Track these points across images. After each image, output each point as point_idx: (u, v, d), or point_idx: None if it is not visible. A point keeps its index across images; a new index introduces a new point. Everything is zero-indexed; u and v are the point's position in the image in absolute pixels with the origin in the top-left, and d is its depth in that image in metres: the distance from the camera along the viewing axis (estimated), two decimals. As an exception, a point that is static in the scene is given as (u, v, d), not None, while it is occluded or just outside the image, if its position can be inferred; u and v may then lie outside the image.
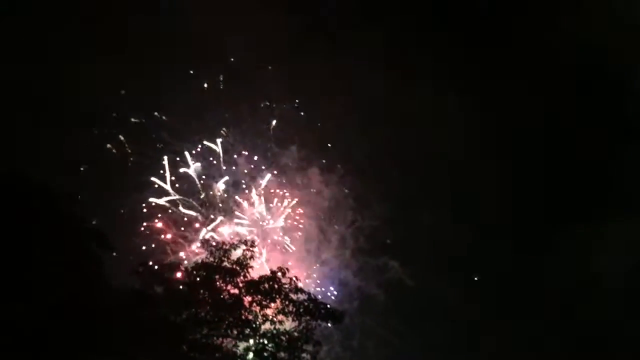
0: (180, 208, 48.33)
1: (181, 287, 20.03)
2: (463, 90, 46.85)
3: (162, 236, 47.10)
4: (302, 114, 51.44)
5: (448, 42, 47.69)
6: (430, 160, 48.78)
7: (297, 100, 50.94)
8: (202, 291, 19.88)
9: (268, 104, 50.05)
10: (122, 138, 46.36)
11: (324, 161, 51.22)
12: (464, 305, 46.51)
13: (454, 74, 47.81)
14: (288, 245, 49.99)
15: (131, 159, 46.11)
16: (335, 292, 50.18)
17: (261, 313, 19.91)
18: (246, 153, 50.16)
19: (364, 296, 49.89)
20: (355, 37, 49.05)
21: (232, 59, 48.24)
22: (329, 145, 51.77)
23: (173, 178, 47.91)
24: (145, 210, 46.99)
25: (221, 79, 48.42)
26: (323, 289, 49.65)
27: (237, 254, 21.07)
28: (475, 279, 49.57)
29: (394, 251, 50.16)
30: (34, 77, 38.21)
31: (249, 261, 20.69)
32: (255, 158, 50.49)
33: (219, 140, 49.25)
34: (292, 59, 47.13)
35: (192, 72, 47.34)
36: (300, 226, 50.54)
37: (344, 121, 49.72)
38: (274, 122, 50.57)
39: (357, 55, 49.10)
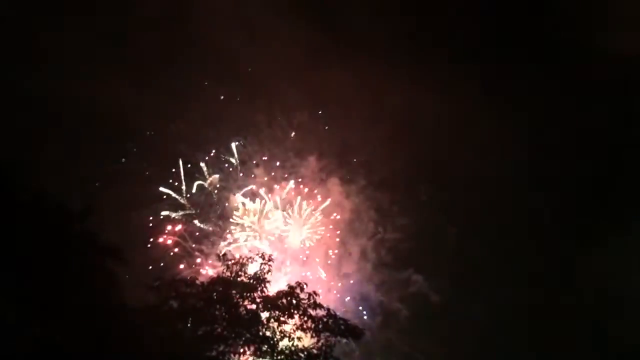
0: (196, 221, 49.04)
1: (197, 302, 20.23)
2: (493, 101, 46.67)
3: (177, 250, 47.78)
4: (326, 127, 51.95)
5: (477, 52, 47.75)
6: (457, 171, 48.68)
7: (319, 112, 51.51)
8: (218, 306, 20.03)
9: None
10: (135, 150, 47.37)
11: (344, 172, 51.64)
12: (493, 322, 46.02)
13: (485, 84, 47.76)
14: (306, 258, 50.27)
15: (147, 172, 46.91)
16: (357, 307, 50.14)
17: (279, 329, 19.92)
18: (264, 162, 50.59)
19: (386, 311, 49.87)
20: (379, 44, 49.41)
21: (250, 69, 48.88)
22: (351, 156, 52.23)
23: (188, 195, 48.70)
24: (160, 223, 47.83)
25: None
26: (343, 304, 49.62)
27: (254, 268, 21.36)
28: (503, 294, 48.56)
29: (418, 264, 50.06)
30: (48, 89, 39.31)
31: (266, 276, 20.83)
32: (274, 168, 51.02)
33: (234, 147, 50.04)
34: (311, 67, 47.60)
35: (206, 83, 47.98)
36: (317, 236, 50.85)
37: (367, 131, 50.12)
38: (292, 134, 51.23)
39: (380, 63, 49.40)
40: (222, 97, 49.34)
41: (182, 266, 47.48)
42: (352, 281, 50.70)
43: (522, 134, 47.97)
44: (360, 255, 51.28)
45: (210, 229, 49.06)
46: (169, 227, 48.12)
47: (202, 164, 49.49)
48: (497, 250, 48.21)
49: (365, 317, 49.61)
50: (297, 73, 47.75)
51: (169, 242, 48.19)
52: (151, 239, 47.39)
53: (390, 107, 49.17)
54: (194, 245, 48.68)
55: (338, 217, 51.60)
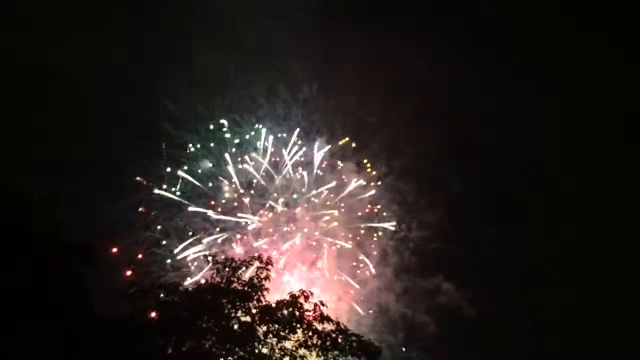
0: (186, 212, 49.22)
1: (181, 313, 20.33)
2: (538, 85, 46.53)
3: (160, 250, 48.04)
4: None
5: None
6: (495, 158, 48.44)
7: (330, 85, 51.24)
8: (206, 318, 20.15)
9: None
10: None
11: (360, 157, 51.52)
12: (538, 340, 46.02)
13: (528, 69, 47.57)
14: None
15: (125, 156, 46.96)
16: (374, 320, 50.26)
17: (278, 346, 20.06)
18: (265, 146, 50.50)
19: (409, 325, 49.86)
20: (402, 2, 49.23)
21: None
22: (369, 138, 52.01)
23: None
24: (140, 216, 48.06)
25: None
26: (357, 316, 49.69)
27: (250, 272, 21.44)
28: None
29: (448, 270, 49.90)
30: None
31: (263, 282, 20.90)
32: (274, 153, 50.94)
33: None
34: (320, 30, 47.40)
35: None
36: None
37: (388, 111, 49.92)
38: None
39: (404, 26, 49.17)
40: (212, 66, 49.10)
41: (165, 268, 47.65)
42: (369, 289, 50.74)
43: (568, 115, 47.70)
44: (380, 258, 51.32)
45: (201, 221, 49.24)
46: (149, 222, 48.35)
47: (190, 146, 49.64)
48: (544, 254, 48.04)
49: (384, 333, 49.78)
50: (303, 37, 47.55)
51: (149, 239, 48.43)
52: (128, 235, 47.52)
53: (416, 79, 48.83)
54: (179, 243, 48.85)
55: (353, 212, 51.57)
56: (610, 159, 47.91)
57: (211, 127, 50.22)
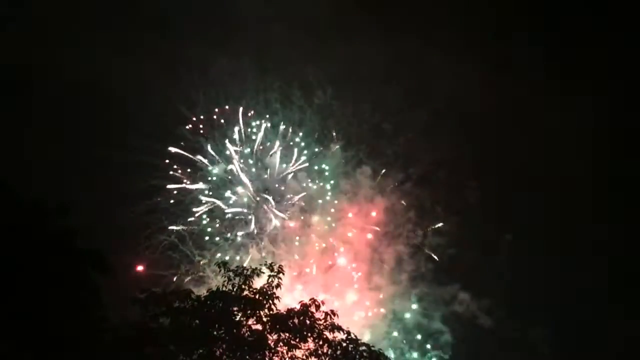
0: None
1: (192, 320, 20.64)
2: (555, 92, 46.20)
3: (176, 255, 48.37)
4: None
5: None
6: (513, 167, 48.29)
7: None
8: (217, 326, 20.48)
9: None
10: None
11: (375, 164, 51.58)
12: (556, 352, 45.80)
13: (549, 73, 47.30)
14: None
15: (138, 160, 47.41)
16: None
17: (289, 355, 20.33)
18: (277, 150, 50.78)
19: (425, 334, 49.72)
20: (421, 8, 49.25)
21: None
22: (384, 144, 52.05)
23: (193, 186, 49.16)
24: (153, 221, 48.43)
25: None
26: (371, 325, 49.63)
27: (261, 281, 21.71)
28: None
29: (464, 279, 49.76)
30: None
31: (275, 290, 21.20)
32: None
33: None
34: (336, 35, 47.59)
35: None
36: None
37: (405, 115, 49.97)
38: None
39: (422, 31, 49.19)
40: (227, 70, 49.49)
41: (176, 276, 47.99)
42: (382, 296, 50.72)
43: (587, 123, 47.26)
44: (395, 265, 51.32)
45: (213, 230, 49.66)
46: (163, 227, 48.72)
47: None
48: (562, 263, 47.79)
49: (397, 341, 49.68)
50: (319, 42, 47.81)
51: (164, 244, 48.79)
52: (141, 241, 47.88)
53: (433, 86, 48.86)
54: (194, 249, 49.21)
55: (368, 217, 51.63)
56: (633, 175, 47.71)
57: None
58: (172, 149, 49.07)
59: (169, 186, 49.01)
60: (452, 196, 50.82)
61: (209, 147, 50.23)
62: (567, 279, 47.20)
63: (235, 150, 50.39)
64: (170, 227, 48.88)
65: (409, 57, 47.83)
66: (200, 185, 49.89)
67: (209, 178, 50.47)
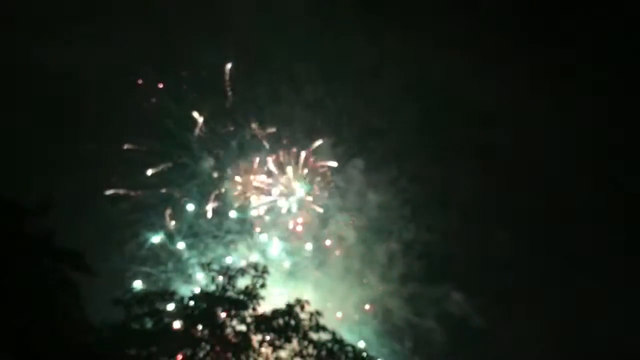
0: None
1: (175, 321, 20.76)
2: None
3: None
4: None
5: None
6: (510, 162, 48.36)
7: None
8: (200, 327, 20.61)
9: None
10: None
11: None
12: (551, 354, 45.99)
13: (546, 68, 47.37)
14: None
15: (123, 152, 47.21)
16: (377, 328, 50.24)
17: (273, 356, 20.51)
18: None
19: (417, 334, 49.73)
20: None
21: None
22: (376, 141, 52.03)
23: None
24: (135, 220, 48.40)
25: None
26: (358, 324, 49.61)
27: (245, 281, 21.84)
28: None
29: (457, 278, 49.83)
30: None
31: (259, 291, 21.34)
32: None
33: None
34: (326, 28, 47.50)
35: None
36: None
37: (395, 109, 49.96)
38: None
39: (416, 23, 49.12)
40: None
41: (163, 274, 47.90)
42: (372, 295, 50.67)
43: (586, 119, 47.42)
44: (386, 262, 51.27)
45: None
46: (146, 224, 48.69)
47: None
48: (559, 263, 47.99)
49: (391, 341, 49.71)
50: (308, 35, 47.76)
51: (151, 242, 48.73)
52: (123, 237, 47.68)
53: (427, 81, 48.91)
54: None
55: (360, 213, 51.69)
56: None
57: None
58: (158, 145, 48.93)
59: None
60: (444, 190, 50.84)
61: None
62: (567, 279, 47.50)
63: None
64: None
65: (401, 52, 47.84)
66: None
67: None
